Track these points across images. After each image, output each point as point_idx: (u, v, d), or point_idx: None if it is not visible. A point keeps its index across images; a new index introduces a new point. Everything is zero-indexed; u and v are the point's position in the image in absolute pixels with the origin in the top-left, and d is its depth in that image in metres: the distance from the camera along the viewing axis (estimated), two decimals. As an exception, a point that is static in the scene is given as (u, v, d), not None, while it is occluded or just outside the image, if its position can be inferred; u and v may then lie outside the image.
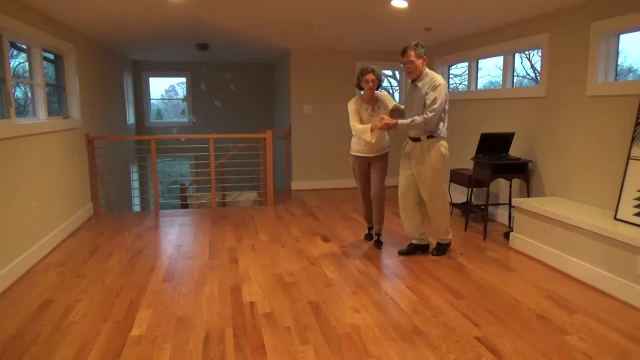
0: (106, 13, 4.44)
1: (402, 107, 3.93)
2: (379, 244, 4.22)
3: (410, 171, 3.83)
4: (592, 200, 3.89)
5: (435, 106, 3.50)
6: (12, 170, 3.57)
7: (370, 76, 3.80)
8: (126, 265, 3.78)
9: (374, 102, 3.91)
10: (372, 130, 3.71)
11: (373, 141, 3.74)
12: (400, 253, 4.01)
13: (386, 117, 3.66)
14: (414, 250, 4.01)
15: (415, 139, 3.72)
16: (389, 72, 9.61)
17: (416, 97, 3.63)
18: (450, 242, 4.05)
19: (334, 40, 6.22)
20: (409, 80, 3.75)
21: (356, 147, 4.01)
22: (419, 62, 3.58)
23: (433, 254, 3.97)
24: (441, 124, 3.65)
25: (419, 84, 3.62)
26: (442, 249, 4.01)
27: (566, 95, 4.16)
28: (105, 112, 6.48)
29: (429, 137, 3.65)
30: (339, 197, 6.58)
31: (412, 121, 3.57)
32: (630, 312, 2.93)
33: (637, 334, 2.63)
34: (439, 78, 3.57)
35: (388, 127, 3.63)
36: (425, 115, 3.51)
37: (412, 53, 3.56)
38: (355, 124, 3.86)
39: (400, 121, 3.61)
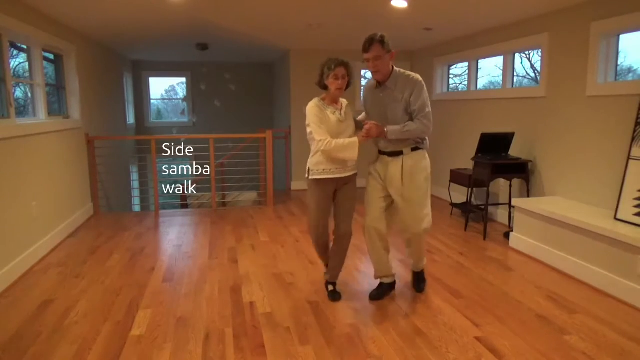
0: (106, 13, 4.44)
1: (358, 117, 3.13)
2: (336, 295, 3.13)
3: (384, 192, 3.01)
4: (592, 200, 3.88)
5: (428, 110, 2.83)
6: (12, 170, 3.56)
7: (342, 70, 2.79)
8: (126, 265, 3.78)
9: (341, 106, 2.95)
10: (360, 144, 2.80)
11: (356, 158, 2.83)
12: (373, 298, 3.12)
13: (372, 122, 2.85)
14: (386, 291, 3.18)
15: (394, 154, 2.92)
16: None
17: (388, 103, 2.88)
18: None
19: (334, 40, 6.22)
20: (372, 84, 3.00)
21: (322, 167, 2.87)
22: (387, 57, 2.79)
23: (421, 290, 3.23)
24: None
25: (390, 85, 2.87)
26: (423, 278, 3.31)
27: (566, 95, 4.16)
28: (105, 112, 6.48)
29: (413, 149, 2.91)
30: (339, 197, 6.57)
31: (404, 127, 2.80)
32: (630, 312, 2.93)
33: (637, 334, 2.63)
34: (415, 75, 2.87)
35: (378, 135, 2.82)
36: (424, 121, 2.81)
37: (378, 47, 2.74)
38: (327, 137, 2.78)
39: (389, 127, 2.81)
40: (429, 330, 2.68)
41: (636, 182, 3.33)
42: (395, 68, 2.90)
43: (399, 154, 2.92)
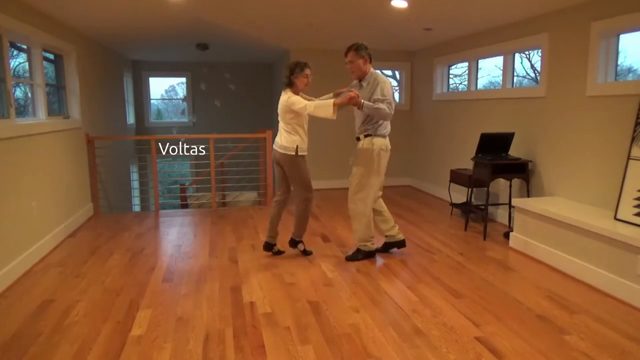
0: (106, 13, 4.44)
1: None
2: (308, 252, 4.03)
3: None
4: (592, 200, 3.88)
5: (390, 99, 3.53)
6: (12, 170, 3.57)
7: (309, 71, 3.61)
8: (126, 265, 3.78)
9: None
10: (335, 105, 3.37)
11: (335, 118, 3.42)
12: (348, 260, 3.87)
13: (355, 92, 3.49)
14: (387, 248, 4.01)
15: (357, 139, 3.74)
16: (388, 72, 9.60)
17: (362, 97, 3.57)
18: (370, 252, 3.87)
19: (334, 40, 6.22)
20: (355, 81, 3.77)
21: (305, 146, 3.70)
22: (360, 62, 3.60)
23: (349, 259, 3.85)
24: (381, 121, 3.63)
25: (364, 84, 3.67)
26: (357, 253, 3.88)
27: (566, 95, 4.16)
28: (105, 112, 6.48)
29: (366, 135, 3.66)
30: (339, 197, 6.57)
31: (375, 104, 3.51)
32: (630, 312, 2.93)
33: (637, 334, 2.63)
34: (381, 76, 3.62)
35: (356, 103, 3.44)
36: (387, 106, 3.51)
37: (352, 53, 3.61)
38: (308, 103, 3.49)
39: (365, 102, 3.50)
40: (429, 330, 2.68)
41: (636, 182, 3.33)
42: (372, 70, 3.68)
43: (358, 139, 3.74)
